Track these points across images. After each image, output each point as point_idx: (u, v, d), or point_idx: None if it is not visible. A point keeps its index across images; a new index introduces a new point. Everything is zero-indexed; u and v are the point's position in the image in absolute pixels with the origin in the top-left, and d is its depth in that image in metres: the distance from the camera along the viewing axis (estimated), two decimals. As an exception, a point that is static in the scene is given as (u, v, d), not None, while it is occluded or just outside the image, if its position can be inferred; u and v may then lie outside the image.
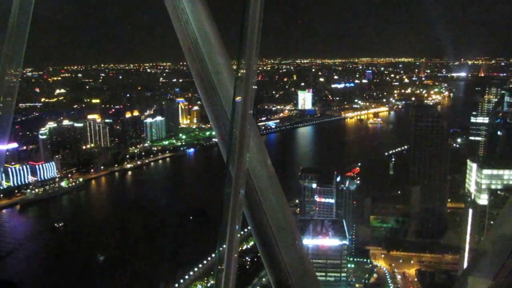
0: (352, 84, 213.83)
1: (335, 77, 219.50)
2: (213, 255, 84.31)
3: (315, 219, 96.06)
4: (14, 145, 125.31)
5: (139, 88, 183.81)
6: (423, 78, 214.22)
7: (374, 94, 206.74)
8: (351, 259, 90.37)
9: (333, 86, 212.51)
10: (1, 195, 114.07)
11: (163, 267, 78.38)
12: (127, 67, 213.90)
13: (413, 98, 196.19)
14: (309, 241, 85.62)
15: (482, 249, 7.98)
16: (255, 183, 6.84)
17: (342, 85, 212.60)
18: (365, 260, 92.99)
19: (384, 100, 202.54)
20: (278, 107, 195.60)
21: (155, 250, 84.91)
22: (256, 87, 6.28)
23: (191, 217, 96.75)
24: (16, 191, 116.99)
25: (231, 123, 6.25)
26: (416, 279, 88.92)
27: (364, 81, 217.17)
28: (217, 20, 7.26)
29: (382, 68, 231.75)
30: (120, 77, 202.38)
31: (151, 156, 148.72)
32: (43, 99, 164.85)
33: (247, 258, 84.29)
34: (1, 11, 7.31)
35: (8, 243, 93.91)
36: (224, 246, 5.87)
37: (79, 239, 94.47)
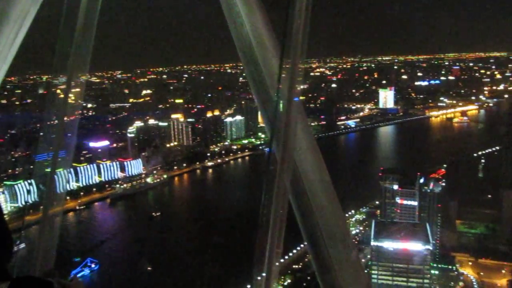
0: (437, 81, 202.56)
1: (419, 74, 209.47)
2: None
3: (396, 221, 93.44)
4: (106, 142, 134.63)
5: (219, 88, 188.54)
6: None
7: (462, 91, 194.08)
8: (435, 265, 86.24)
9: (416, 83, 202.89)
10: (94, 189, 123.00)
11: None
12: (208, 68, 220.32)
13: (506, 96, 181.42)
14: (390, 244, 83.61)
15: None
16: (306, 187, 6.65)
17: (426, 83, 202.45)
18: (450, 267, 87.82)
19: (473, 98, 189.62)
20: (358, 106, 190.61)
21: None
22: (300, 87, 6.07)
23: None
24: (107, 185, 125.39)
25: (273, 126, 6.11)
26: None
27: (451, 77, 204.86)
28: (274, 22, 7.13)
29: (471, 64, 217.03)
30: (202, 77, 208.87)
31: (231, 154, 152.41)
32: (131, 100, 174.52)
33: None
34: (68, 16, 7.71)
35: (104, 232, 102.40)
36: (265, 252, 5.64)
37: (173, 228, 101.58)
